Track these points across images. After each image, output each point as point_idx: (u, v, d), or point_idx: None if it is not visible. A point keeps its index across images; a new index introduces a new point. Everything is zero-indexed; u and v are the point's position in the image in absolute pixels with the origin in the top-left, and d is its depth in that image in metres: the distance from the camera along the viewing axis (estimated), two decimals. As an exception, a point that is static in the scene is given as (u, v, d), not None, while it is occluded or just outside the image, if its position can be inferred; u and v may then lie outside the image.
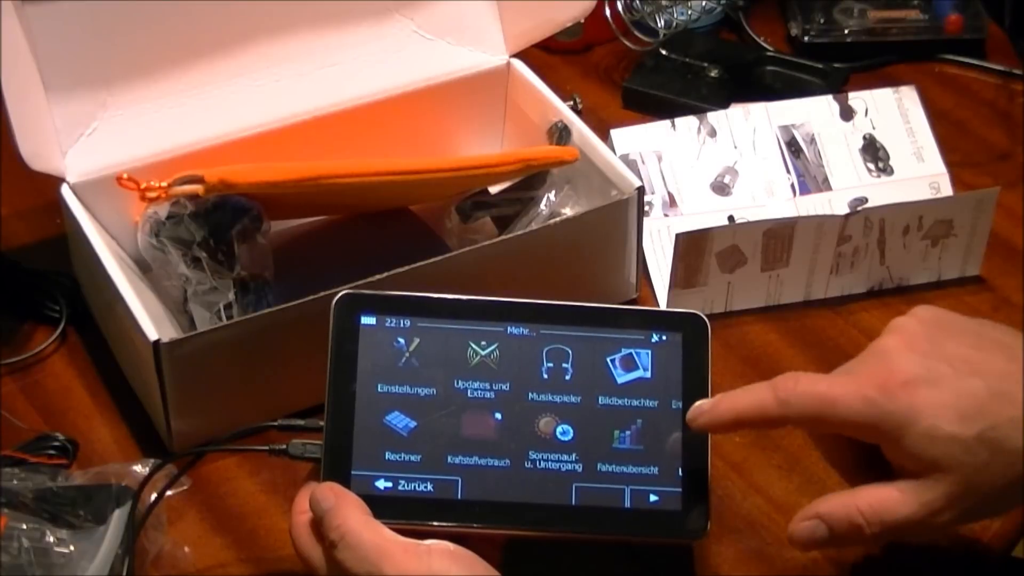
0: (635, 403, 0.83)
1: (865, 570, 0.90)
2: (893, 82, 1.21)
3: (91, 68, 1.02)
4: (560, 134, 1.07)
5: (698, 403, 0.81)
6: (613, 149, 1.11)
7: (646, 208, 1.08)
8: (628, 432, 0.82)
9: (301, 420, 0.86)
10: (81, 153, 1.02)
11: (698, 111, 1.17)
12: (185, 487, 0.90)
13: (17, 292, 1.06)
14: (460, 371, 0.83)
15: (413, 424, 0.82)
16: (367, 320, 0.83)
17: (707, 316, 0.84)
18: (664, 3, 1.25)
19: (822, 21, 1.33)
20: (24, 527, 0.85)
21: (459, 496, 0.81)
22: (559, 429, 0.82)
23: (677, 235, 1.02)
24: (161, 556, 0.89)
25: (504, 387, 0.83)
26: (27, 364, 1.03)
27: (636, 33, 1.25)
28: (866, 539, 0.79)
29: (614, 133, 1.15)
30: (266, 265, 0.99)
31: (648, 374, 0.83)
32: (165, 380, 0.91)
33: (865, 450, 0.83)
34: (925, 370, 0.78)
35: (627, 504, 0.81)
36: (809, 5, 1.34)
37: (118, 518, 0.87)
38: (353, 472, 0.80)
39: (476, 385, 0.83)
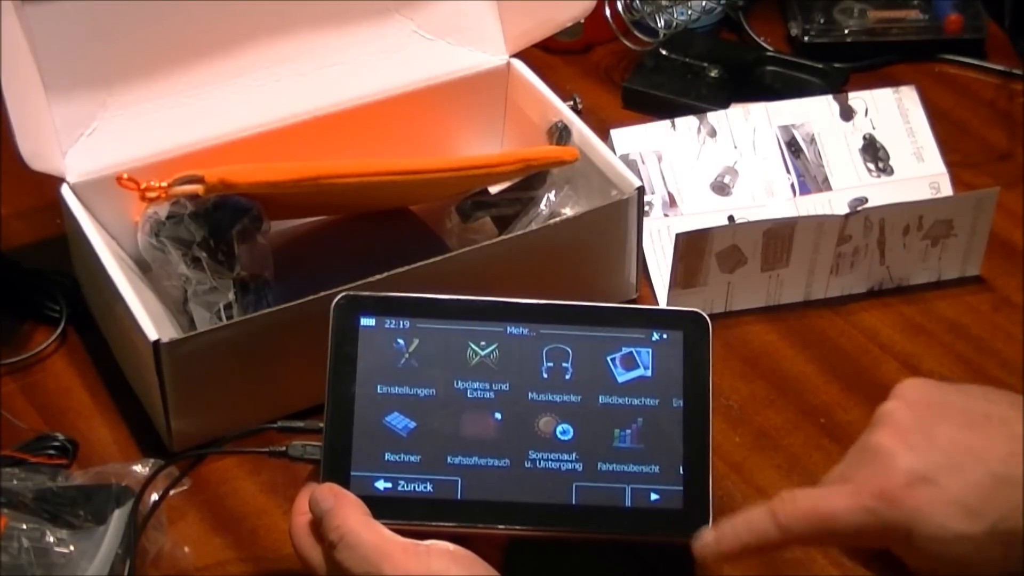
0: (636, 402, 0.83)
1: (864, 571, 0.90)
2: (893, 82, 1.21)
3: (91, 68, 1.02)
4: (560, 134, 1.07)
5: (701, 536, 0.79)
6: (613, 149, 1.11)
7: (646, 208, 1.08)
8: (629, 431, 0.82)
9: (301, 422, 0.86)
10: (81, 153, 1.02)
11: (698, 111, 1.17)
12: (185, 487, 0.90)
13: (17, 292, 1.06)
14: (460, 371, 0.83)
15: (413, 425, 0.82)
16: (366, 321, 0.83)
17: (710, 316, 0.84)
18: (664, 3, 1.25)
19: (822, 21, 1.33)
20: (24, 527, 0.85)
21: (459, 496, 0.81)
22: (559, 428, 0.82)
23: (677, 235, 1.02)
24: (161, 556, 0.89)
25: (504, 387, 0.83)
26: (27, 364, 1.03)
27: (636, 33, 1.26)
28: (771, 534, 0.76)
29: (614, 133, 1.15)
30: (266, 265, 0.99)
31: (649, 373, 0.83)
32: (165, 380, 0.91)
33: None
34: (923, 466, 0.75)
35: (628, 503, 0.81)
36: (809, 5, 1.34)
37: (118, 518, 0.87)
38: (352, 473, 0.80)
39: (476, 385, 0.83)
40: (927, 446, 0.75)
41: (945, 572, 0.74)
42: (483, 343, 0.83)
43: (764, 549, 0.78)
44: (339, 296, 0.83)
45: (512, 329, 0.83)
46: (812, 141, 1.15)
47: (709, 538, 0.79)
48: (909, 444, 0.75)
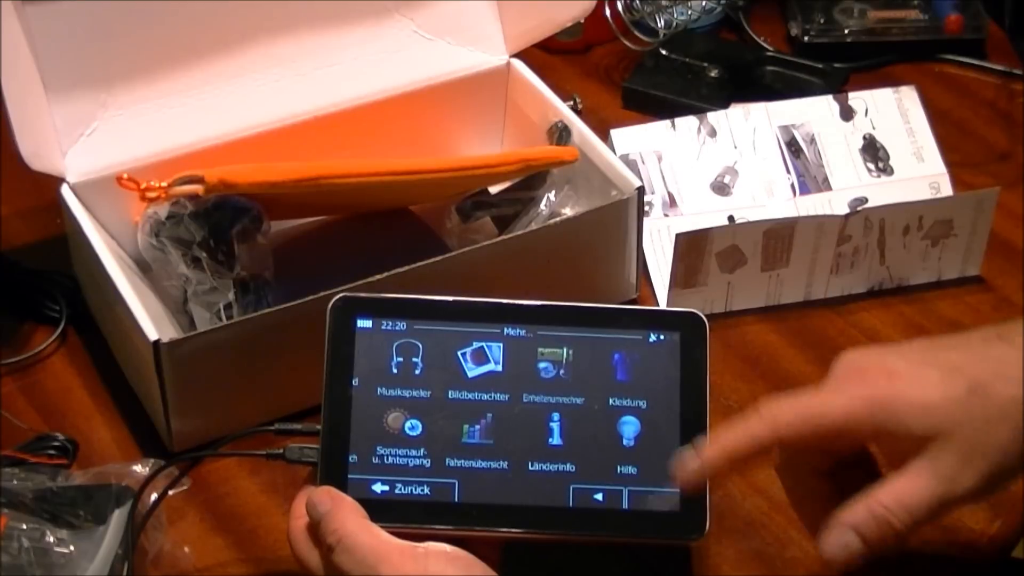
0: (633, 403, 0.83)
1: (865, 570, 0.90)
2: (893, 82, 1.21)
3: (91, 68, 1.02)
4: (560, 134, 1.07)
5: (682, 456, 0.80)
6: (613, 149, 1.11)
7: (646, 208, 1.08)
8: (626, 433, 0.82)
9: (298, 423, 0.86)
10: (81, 153, 1.02)
11: (698, 111, 1.17)
12: (185, 487, 0.90)
13: (17, 292, 1.06)
14: (457, 374, 0.83)
15: (410, 427, 0.82)
16: (363, 323, 0.83)
17: (707, 316, 0.84)
18: (664, 3, 1.25)
19: (822, 21, 1.33)
20: (24, 527, 0.85)
21: (456, 499, 0.81)
22: (557, 431, 0.82)
23: (677, 235, 1.02)
24: (161, 556, 0.89)
25: (501, 389, 0.83)
26: (27, 364, 1.03)
27: (636, 33, 1.26)
28: (899, 535, 0.77)
29: (614, 133, 1.15)
30: (266, 265, 0.99)
31: (646, 374, 0.83)
32: (165, 380, 0.92)
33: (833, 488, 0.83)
34: (896, 356, 0.78)
35: (625, 505, 0.81)
36: (809, 5, 1.34)
37: (118, 518, 0.87)
38: (350, 476, 0.80)
39: (473, 387, 0.82)
40: (892, 350, 0.79)
41: (931, 446, 0.76)
42: (480, 345, 0.83)
43: (751, 454, 0.79)
44: (336, 298, 0.83)
45: (509, 330, 0.83)
46: (812, 141, 1.15)
47: (689, 455, 0.80)
48: (875, 350, 0.80)
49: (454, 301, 0.84)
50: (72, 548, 0.85)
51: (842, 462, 0.83)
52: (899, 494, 0.76)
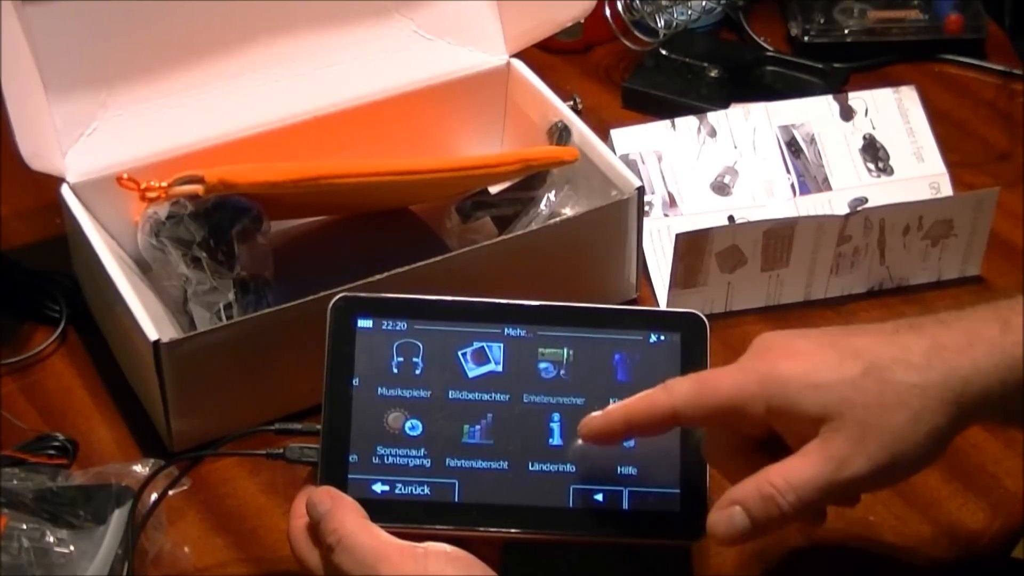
0: None
1: (865, 571, 0.91)
2: (893, 82, 1.21)
3: (91, 68, 1.02)
4: (560, 134, 1.07)
5: (589, 415, 0.80)
6: (613, 149, 1.11)
7: (646, 208, 1.08)
8: (626, 434, 0.82)
9: (298, 423, 0.86)
10: (81, 153, 1.02)
11: (698, 111, 1.17)
12: (185, 487, 0.90)
13: (17, 292, 1.06)
14: (457, 374, 0.83)
15: (410, 427, 0.82)
16: (363, 323, 0.83)
17: (707, 316, 0.84)
18: (664, 3, 1.25)
19: (822, 21, 1.33)
20: (24, 527, 0.85)
21: (456, 499, 0.81)
22: (557, 431, 0.82)
23: (677, 235, 1.02)
24: (161, 556, 0.89)
25: (501, 389, 0.83)
26: (27, 364, 1.03)
27: (636, 33, 1.26)
28: (785, 514, 0.74)
29: (614, 133, 1.15)
30: (266, 265, 0.99)
31: (647, 375, 0.83)
32: (165, 380, 0.92)
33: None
34: (802, 339, 0.78)
35: (625, 506, 0.81)
36: (809, 5, 1.34)
37: (118, 518, 0.87)
38: (350, 476, 0.80)
39: (473, 388, 0.82)
40: (798, 334, 0.78)
41: (824, 427, 0.74)
42: (481, 345, 0.83)
43: (649, 421, 0.78)
44: (336, 297, 0.83)
45: (510, 331, 0.83)
46: (812, 141, 1.15)
47: (596, 413, 0.79)
48: (780, 334, 0.79)
49: (455, 301, 0.84)
50: (72, 548, 0.85)
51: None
52: (788, 474, 0.74)
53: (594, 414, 0.79)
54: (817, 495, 0.74)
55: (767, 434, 0.78)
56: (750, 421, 0.77)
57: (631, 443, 0.82)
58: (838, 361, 0.75)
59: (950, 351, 0.75)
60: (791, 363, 0.76)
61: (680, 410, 0.77)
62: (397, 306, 0.83)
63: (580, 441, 0.81)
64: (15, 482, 0.88)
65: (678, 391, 0.78)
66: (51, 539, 0.85)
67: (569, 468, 0.81)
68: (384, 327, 0.83)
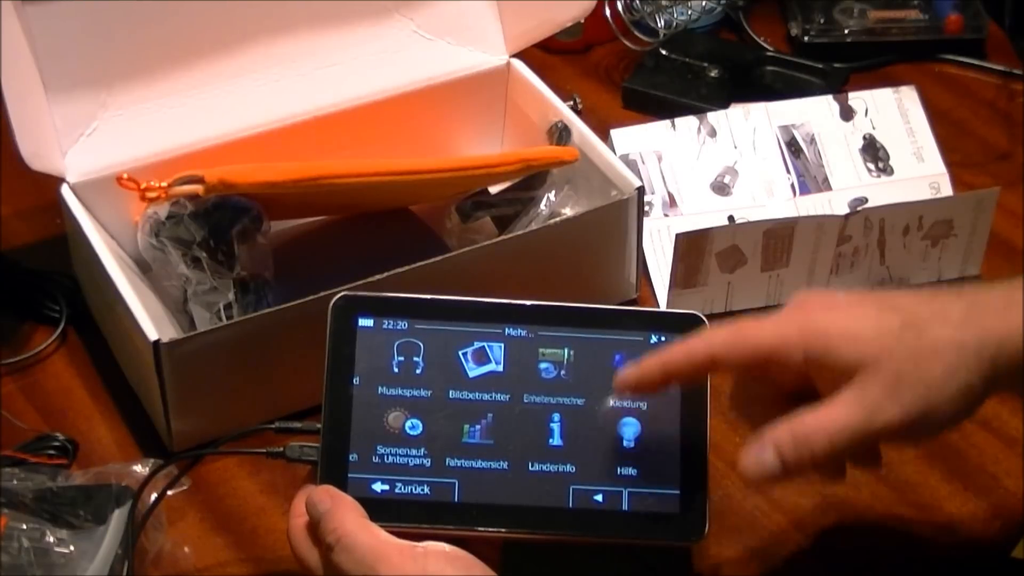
0: (634, 405, 0.83)
1: (865, 571, 0.91)
2: (893, 82, 1.21)
3: (91, 68, 1.02)
4: (560, 134, 1.07)
5: (624, 368, 0.80)
6: (613, 149, 1.11)
7: (646, 208, 1.08)
8: (626, 434, 0.82)
9: (298, 422, 0.86)
10: (81, 153, 1.02)
11: (698, 111, 1.17)
12: (185, 487, 0.90)
13: (17, 292, 1.06)
14: (458, 373, 0.83)
15: (410, 427, 0.82)
16: (364, 322, 0.83)
17: (707, 316, 0.84)
18: (664, 3, 1.25)
19: (822, 21, 1.33)
20: (24, 527, 0.85)
21: (456, 499, 0.81)
22: (557, 431, 0.82)
23: (677, 235, 1.02)
24: (161, 556, 0.89)
25: (502, 389, 0.83)
26: (27, 364, 1.03)
27: (636, 33, 1.26)
28: (816, 458, 0.75)
29: (614, 133, 1.15)
30: (266, 265, 0.99)
31: (647, 375, 0.83)
32: (165, 380, 0.92)
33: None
34: (842, 294, 0.79)
35: (625, 507, 0.81)
36: (809, 5, 1.34)
37: (118, 518, 0.87)
38: (350, 475, 0.80)
39: (474, 387, 0.82)
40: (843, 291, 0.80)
41: (859, 375, 0.75)
42: (481, 345, 0.83)
43: (687, 367, 0.79)
44: (337, 297, 0.83)
45: (511, 331, 0.83)
46: (812, 141, 1.15)
47: (631, 365, 0.80)
48: (827, 290, 0.83)
49: (455, 301, 0.84)
50: (72, 548, 0.85)
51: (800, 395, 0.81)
52: (822, 419, 0.75)
53: (628, 365, 0.80)
54: (849, 442, 0.75)
55: (799, 386, 0.78)
56: (786, 369, 0.78)
57: (631, 444, 0.82)
58: (877, 314, 0.77)
59: (988, 312, 0.77)
60: (831, 314, 0.77)
61: (718, 355, 0.78)
62: (398, 305, 0.83)
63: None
64: (15, 482, 0.88)
65: (716, 337, 0.79)
66: (51, 539, 0.85)
67: (569, 468, 0.82)
68: (385, 326, 0.83)
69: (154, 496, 0.88)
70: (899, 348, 0.75)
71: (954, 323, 0.76)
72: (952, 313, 0.77)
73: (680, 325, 0.84)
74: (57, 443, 0.95)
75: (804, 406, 0.76)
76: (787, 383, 0.79)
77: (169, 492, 0.88)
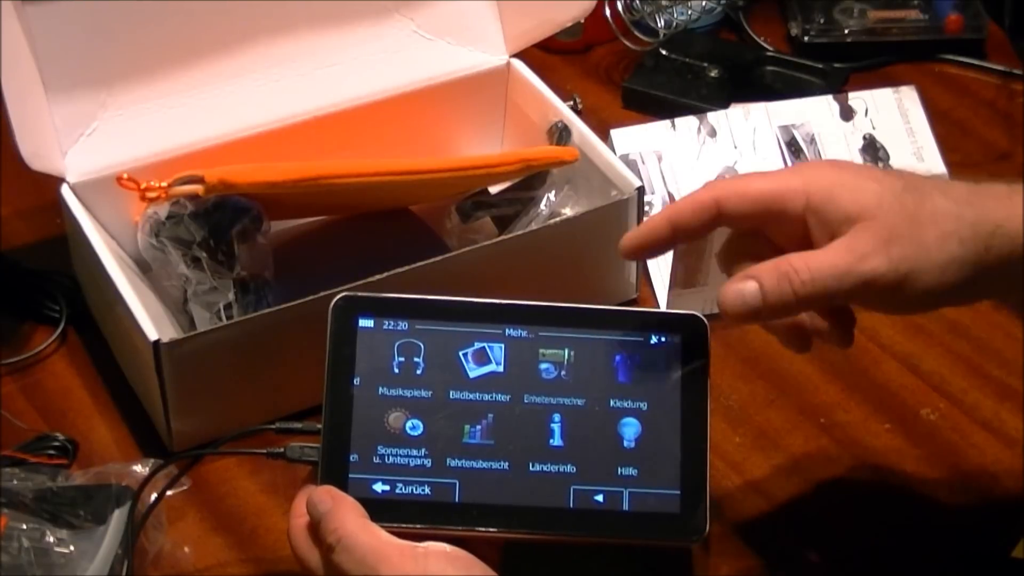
0: (634, 405, 0.83)
1: (865, 570, 0.91)
2: (893, 82, 1.21)
3: (91, 68, 1.02)
4: (560, 134, 1.07)
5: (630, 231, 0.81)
6: (613, 149, 1.11)
7: (646, 208, 1.08)
8: (626, 434, 0.82)
9: (299, 423, 0.86)
10: (81, 153, 1.02)
11: (698, 111, 1.17)
12: (185, 487, 0.90)
13: (17, 292, 1.06)
14: (458, 374, 0.83)
15: (411, 427, 0.82)
16: (365, 323, 0.83)
17: (707, 316, 0.84)
18: (664, 3, 1.25)
19: (822, 21, 1.33)
20: (24, 527, 0.85)
21: (457, 499, 0.80)
22: (558, 431, 0.82)
23: (677, 235, 1.02)
24: (161, 556, 0.89)
25: (502, 390, 0.83)
26: (27, 364, 1.03)
27: (636, 33, 1.25)
28: (799, 296, 0.75)
29: (614, 133, 1.15)
30: (266, 265, 0.99)
31: (647, 376, 0.83)
32: (165, 380, 0.92)
33: None
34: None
35: (626, 507, 0.81)
36: (809, 5, 1.34)
37: (118, 518, 0.87)
38: (350, 475, 0.80)
39: (474, 388, 0.82)
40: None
41: (856, 225, 0.76)
42: (482, 345, 0.83)
43: (694, 222, 0.80)
44: (337, 297, 0.83)
45: (511, 331, 0.83)
46: (812, 141, 1.15)
47: (638, 228, 0.82)
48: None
49: (456, 301, 0.84)
50: (72, 548, 0.85)
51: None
52: (808, 258, 0.76)
53: (632, 229, 0.81)
54: (832, 283, 0.75)
55: (796, 244, 0.78)
56: (787, 218, 0.78)
57: (631, 444, 0.82)
58: (882, 175, 0.78)
59: (990, 196, 0.77)
60: (836, 169, 0.79)
61: (723, 203, 0.79)
62: (398, 306, 0.83)
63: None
64: (15, 482, 0.88)
65: (721, 185, 0.79)
66: (51, 539, 0.85)
67: (569, 468, 0.81)
68: (385, 327, 0.83)
69: (154, 496, 0.88)
70: (897, 206, 0.76)
71: (955, 198, 0.77)
72: (955, 189, 0.77)
73: (680, 325, 0.84)
74: (57, 443, 0.95)
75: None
76: (783, 239, 0.79)
77: (169, 492, 0.88)
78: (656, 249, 0.82)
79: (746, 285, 0.76)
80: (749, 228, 0.82)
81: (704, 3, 1.27)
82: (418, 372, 0.82)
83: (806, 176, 0.78)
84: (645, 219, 0.80)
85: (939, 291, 0.76)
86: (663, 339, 0.84)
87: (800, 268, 0.75)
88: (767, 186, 0.79)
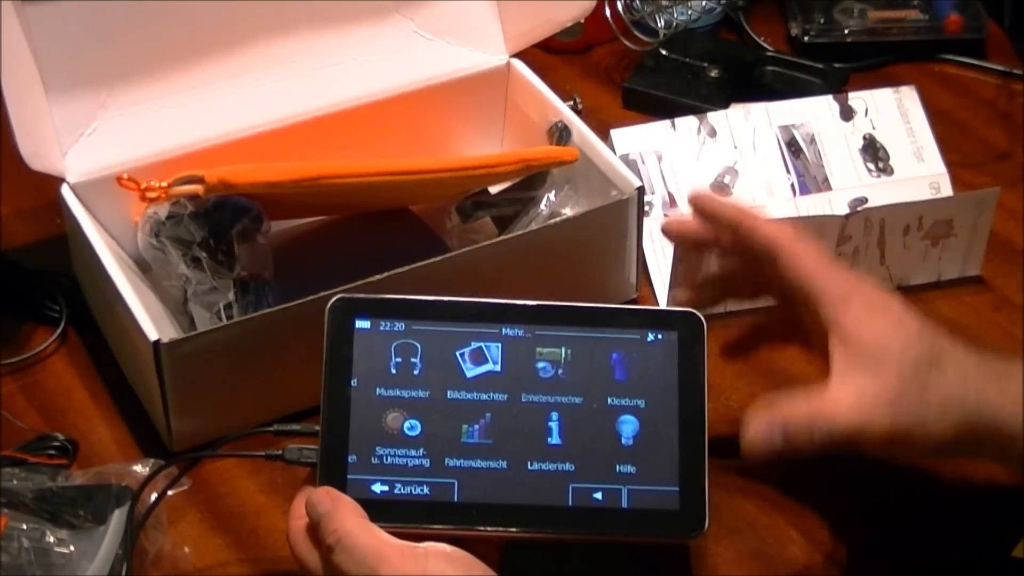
0: (632, 403, 0.83)
1: (865, 571, 0.91)
2: (893, 82, 1.21)
3: (91, 68, 1.02)
4: (560, 134, 1.07)
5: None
6: (613, 149, 1.11)
7: (646, 208, 1.08)
8: (625, 432, 0.82)
9: (297, 424, 0.86)
10: (81, 153, 1.02)
11: (698, 111, 1.17)
12: (185, 487, 0.90)
13: (17, 292, 1.06)
14: (456, 374, 0.83)
15: (409, 427, 0.82)
16: (362, 324, 0.83)
17: (706, 316, 0.84)
18: (664, 3, 1.25)
19: (822, 21, 1.33)
20: (24, 527, 0.85)
21: (456, 499, 0.81)
22: (556, 430, 0.82)
23: (677, 235, 1.02)
24: (161, 556, 0.89)
25: (500, 389, 0.83)
26: (27, 364, 1.03)
27: (636, 33, 1.25)
28: (813, 446, 0.80)
29: (614, 133, 1.15)
30: (266, 265, 0.99)
31: (645, 373, 0.83)
32: (165, 380, 0.92)
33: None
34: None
35: (624, 504, 0.81)
36: (809, 5, 1.34)
37: (118, 518, 0.87)
38: (349, 476, 0.80)
39: (472, 388, 0.82)
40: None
41: (863, 364, 0.81)
42: (479, 345, 0.83)
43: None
44: (334, 298, 0.83)
45: (508, 330, 0.83)
46: (812, 141, 1.15)
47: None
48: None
49: (452, 301, 0.84)
50: (72, 548, 0.85)
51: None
52: (825, 409, 0.80)
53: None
54: (844, 438, 0.80)
55: (781, 299, 0.86)
56: (806, 303, 0.84)
57: (630, 441, 0.82)
58: (904, 309, 0.82)
59: (993, 379, 0.81)
60: (862, 278, 0.84)
61: (776, 255, 0.85)
62: (395, 307, 0.83)
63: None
64: (15, 482, 0.88)
65: (787, 237, 0.85)
66: (51, 539, 0.85)
67: (568, 467, 0.82)
68: (382, 328, 0.83)
69: (154, 496, 0.88)
70: (912, 357, 0.80)
71: (965, 377, 0.81)
72: (967, 365, 0.81)
73: (677, 323, 0.84)
74: (57, 443, 0.95)
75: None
76: (771, 289, 0.87)
77: (169, 492, 0.88)
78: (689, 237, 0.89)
79: (775, 433, 0.81)
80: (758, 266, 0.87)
81: (704, 3, 1.27)
82: (415, 372, 0.82)
83: (853, 295, 0.82)
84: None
85: (922, 457, 0.84)
86: (660, 336, 0.84)
87: (818, 422, 0.80)
88: (819, 273, 0.83)
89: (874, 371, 0.80)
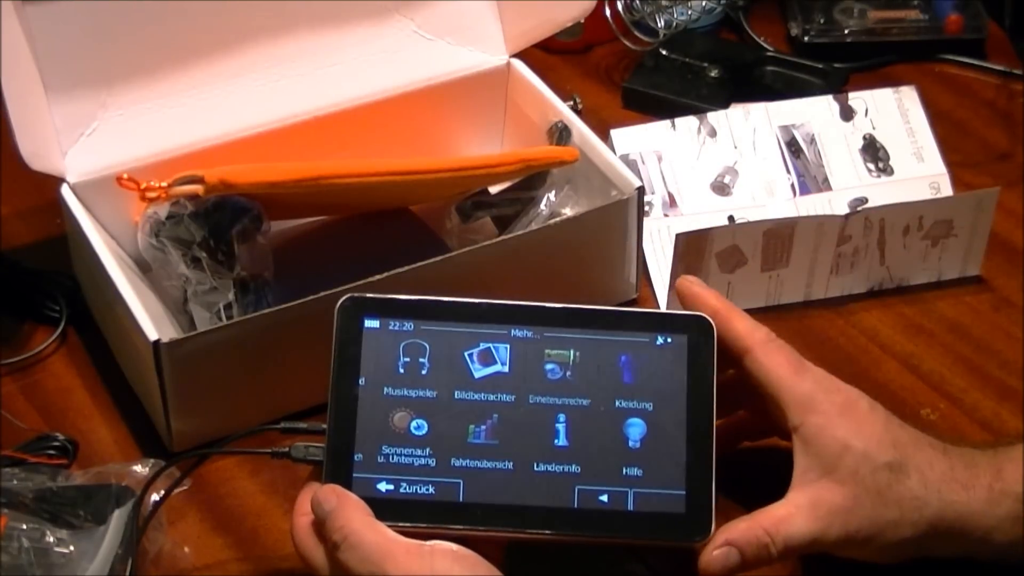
0: (640, 405, 0.83)
1: (865, 571, 0.90)
2: (893, 82, 1.21)
3: (91, 68, 1.02)
4: (560, 134, 1.07)
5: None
6: (613, 149, 1.11)
7: (646, 208, 1.08)
8: (632, 434, 0.82)
9: (303, 422, 0.86)
10: (81, 153, 1.02)
11: (698, 111, 1.17)
12: (185, 487, 0.90)
13: (17, 292, 1.06)
14: (463, 374, 0.83)
15: (416, 427, 0.82)
16: (371, 323, 0.83)
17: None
18: (664, 3, 1.25)
19: (822, 21, 1.33)
20: (24, 527, 0.85)
21: (461, 499, 0.80)
22: (563, 432, 0.82)
23: (677, 235, 1.02)
24: (161, 556, 0.89)
25: (508, 390, 0.82)
26: (27, 364, 1.03)
27: (636, 33, 1.25)
28: (773, 558, 0.81)
29: (614, 133, 1.15)
30: (266, 265, 0.99)
31: (653, 377, 0.83)
32: (165, 380, 0.91)
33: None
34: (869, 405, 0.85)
35: (630, 507, 0.81)
36: (809, 5, 1.34)
37: (118, 518, 0.87)
38: (355, 475, 0.80)
39: (479, 388, 0.82)
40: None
41: (822, 480, 0.82)
42: (487, 346, 0.83)
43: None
44: (344, 297, 0.83)
45: (516, 332, 0.83)
46: (812, 141, 1.15)
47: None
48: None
49: (461, 302, 0.84)
50: (72, 548, 0.85)
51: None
52: (781, 525, 0.81)
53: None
54: (803, 547, 0.81)
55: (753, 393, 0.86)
56: (771, 400, 0.84)
57: (636, 444, 0.82)
58: (875, 444, 0.82)
59: (958, 484, 0.82)
60: (846, 412, 0.83)
61: (745, 354, 0.85)
62: (404, 307, 0.83)
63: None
64: (15, 482, 0.88)
65: (759, 339, 0.86)
66: (51, 539, 0.85)
67: (574, 468, 0.81)
68: (391, 327, 0.83)
69: (155, 496, 0.87)
70: (869, 480, 0.81)
71: (929, 482, 0.81)
72: (935, 471, 0.82)
73: (687, 327, 0.84)
74: (57, 443, 0.95)
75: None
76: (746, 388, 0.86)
77: (170, 493, 0.88)
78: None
79: (729, 554, 0.81)
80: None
81: (704, 3, 1.27)
82: (423, 372, 0.82)
83: (819, 400, 0.83)
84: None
85: (888, 558, 0.83)
86: (669, 340, 0.84)
87: (775, 537, 0.81)
88: (786, 378, 0.84)
89: (831, 478, 0.81)
